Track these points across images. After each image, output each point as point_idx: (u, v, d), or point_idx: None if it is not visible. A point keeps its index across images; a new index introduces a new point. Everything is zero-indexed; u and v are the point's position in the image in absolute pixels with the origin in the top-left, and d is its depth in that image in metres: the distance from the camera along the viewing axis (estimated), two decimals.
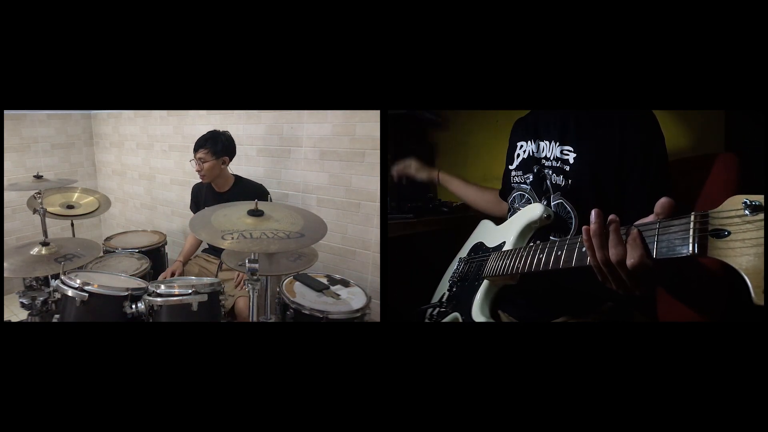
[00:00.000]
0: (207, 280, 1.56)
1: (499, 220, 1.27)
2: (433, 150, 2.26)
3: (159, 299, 1.38)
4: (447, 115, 2.21)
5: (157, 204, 2.89)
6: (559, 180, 1.07)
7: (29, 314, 1.55)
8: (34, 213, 1.86)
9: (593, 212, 0.73)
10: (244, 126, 2.26)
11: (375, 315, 1.57)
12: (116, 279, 1.61)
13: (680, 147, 1.41)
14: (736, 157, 1.03)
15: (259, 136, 2.24)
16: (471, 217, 1.56)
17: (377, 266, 1.90)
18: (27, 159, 2.76)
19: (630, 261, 0.69)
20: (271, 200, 1.91)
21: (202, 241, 2.01)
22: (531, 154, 1.16)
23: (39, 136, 2.83)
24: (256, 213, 1.29)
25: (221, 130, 1.89)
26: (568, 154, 1.06)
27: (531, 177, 1.15)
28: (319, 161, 2.04)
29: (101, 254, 1.93)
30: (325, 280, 1.64)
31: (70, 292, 1.36)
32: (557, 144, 1.09)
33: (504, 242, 1.14)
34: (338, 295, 1.54)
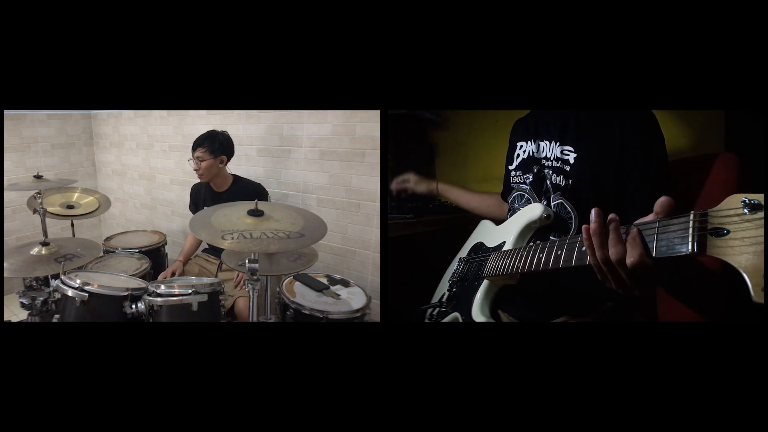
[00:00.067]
0: (207, 280, 1.56)
1: (499, 221, 1.27)
2: (433, 150, 2.26)
3: (159, 299, 1.38)
4: (447, 115, 2.21)
5: (157, 204, 2.89)
6: (560, 180, 1.07)
7: (29, 314, 1.55)
8: (34, 213, 1.86)
9: (593, 211, 0.74)
10: (244, 126, 2.26)
11: (375, 315, 1.57)
12: (116, 279, 1.61)
13: (680, 147, 1.41)
14: (736, 157, 1.03)
15: (259, 136, 2.24)
16: (471, 217, 1.56)
17: (377, 266, 1.90)
18: (27, 159, 2.76)
19: (630, 260, 0.70)
20: (270, 200, 1.91)
21: (202, 241, 2.01)
22: (531, 154, 1.16)
23: (39, 136, 2.83)
24: (256, 213, 1.29)
25: (219, 130, 1.90)
26: (568, 154, 1.06)
27: (531, 177, 1.15)
28: (319, 161, 2.04)
29: (101, 254, 1.93)
30: (325, 280, 1.64)
31: (70, 292, 1.36)
32: (557, 144, 1.09)
33: (504, 242, 1.14)
34: (338, 295, 1.54)
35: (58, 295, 1.40)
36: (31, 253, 1.56)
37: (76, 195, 2.11)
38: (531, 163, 1.15)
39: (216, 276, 1.87)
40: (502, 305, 1.15)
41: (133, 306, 1.40)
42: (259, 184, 1.96)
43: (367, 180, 1.88)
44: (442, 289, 1.28)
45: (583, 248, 0.77)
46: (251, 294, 1.29)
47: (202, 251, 2.07)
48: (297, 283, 1.60)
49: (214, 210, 1.37)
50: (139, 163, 2.93)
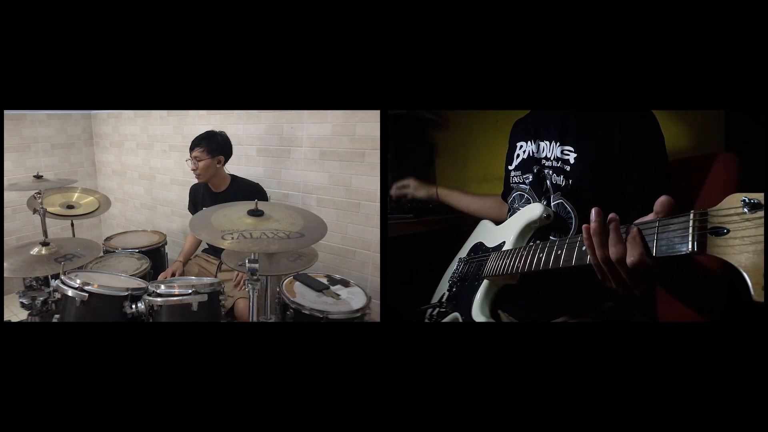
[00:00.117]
0: (207, 280, 1.56)
1: (499, 222, 1.27)
2: (433, 150, 2.26)
3: (159, 299, 1.38)
4: (447, 115, 2.21)
5: (157, 204, 2.89)
6: (560, 180, 1.07)
7: (29, 314, 1.55)
8: (34, 213, 1.86)
9: (593, 211, 0.74)
10: (244, 126, 2.26)
11: (375, 315, 1.57)
12: (116, 279, 1.61)
13: (680, 147, 1.41)
14: (736, 157, 1.03)
15: (258, 136, 2.24)
16: (471, 217, 1.56)
17: (377, 266, 1.90)
18: (27, 159, 2.77)
19: (630, 259, 0.70)
20: (269, 199, 1.91)
21: (201, 241, 2.01)
22: (531, 154, 1.16)
23: (39, 136, 2.83)
24: (256, 213, 1.29)
25: (217, 130, 1.90)
26: (568, 154, 1.06)
27: (530, 177, 1.15)
28: (319, 161, 2.04)
29: (101, 254, 1.93)
30: (325, 280, 1.64)
31: (70, 292, 1.36)
32: (557, 144, 1.09)
33: (504, 242, 1.14)
34: (338, 295, 1.54)
35: (58, 295, 1.40)
36: (31, 253, 1.56)
37: (76, 195, 2.11)
38: (531, 163, 1.15)
39: (216, 276, 1.87)
40: (502, 305, 1.15)
41: (133, 306, 1.40)
42: (257, 184, 1.96)
43: (367, 180, 1.88)
44: (442, 289, 1.28)
45: (583, 248, 0.77)
46: (251, 294, 1.29)
47: (202, 251, 2.07)
48: (297, 283, 1.60)
49: (214, 210, 1.37)
50: (139, 163, 2.93)
